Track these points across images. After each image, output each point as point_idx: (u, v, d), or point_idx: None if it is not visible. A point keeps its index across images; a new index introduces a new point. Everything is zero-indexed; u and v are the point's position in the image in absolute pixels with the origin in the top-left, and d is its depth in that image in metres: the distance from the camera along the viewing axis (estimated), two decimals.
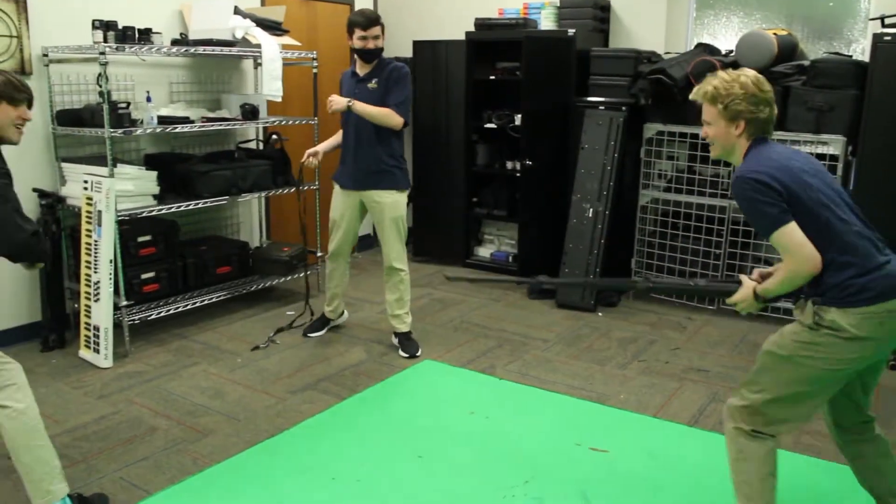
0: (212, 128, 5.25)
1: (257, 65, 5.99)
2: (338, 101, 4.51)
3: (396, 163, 4.63)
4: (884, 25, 4.97)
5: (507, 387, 4.35)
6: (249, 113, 5.40)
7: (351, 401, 4.13)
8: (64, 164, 4.92)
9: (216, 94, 5.85)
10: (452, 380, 4.45)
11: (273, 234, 6.55)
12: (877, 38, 4.85)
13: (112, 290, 4.59)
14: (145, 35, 4.89)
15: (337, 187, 4.82)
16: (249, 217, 6.36)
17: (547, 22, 6.33)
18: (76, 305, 4.89)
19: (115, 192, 4.55)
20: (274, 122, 5.71)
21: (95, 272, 4.61)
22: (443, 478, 3.35)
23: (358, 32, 4.46)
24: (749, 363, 3.72)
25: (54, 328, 4.86)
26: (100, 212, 4.57)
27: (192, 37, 5.27)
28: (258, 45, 5.31)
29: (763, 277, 2.67)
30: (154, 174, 4.90)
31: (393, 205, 4.65)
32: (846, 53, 5.51)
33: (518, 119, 6.33)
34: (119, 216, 4.60)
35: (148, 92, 5.11)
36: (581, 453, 3.57)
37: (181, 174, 5.12)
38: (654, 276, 5.82)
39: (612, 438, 3.71)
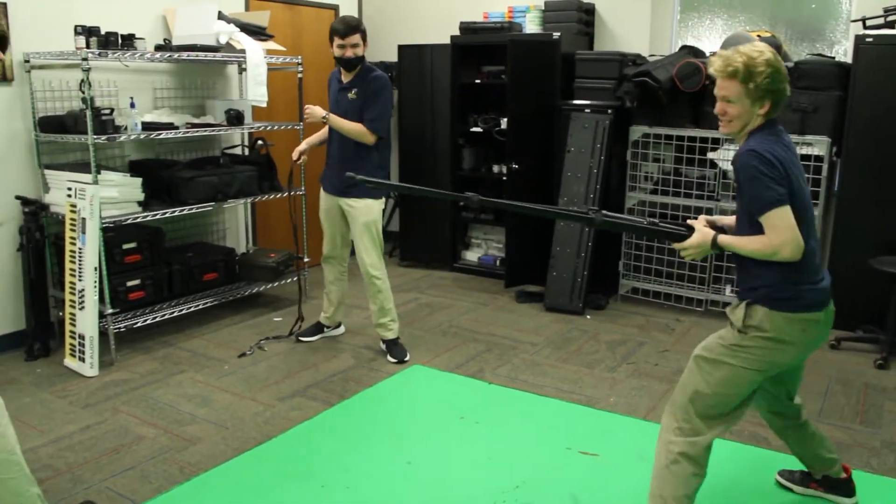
0: (197, 134, 5.22)
1: (242, 70, 5.96)
2: (314, 113, 4.52)
3: (374, 173, 4.58)
4: (865, 27, 5.00)
5: (496, 391, 4.34)
6: (234, 118, 5.37)
7: (339, 407, 4.11)
8: (47, 171, 4.88)
9: (201, 100, 5.82)
10: (441, 385, 4.43)
11: (259, 240, 6.51)
12: (859, 40, 4.89)
13: (97, 297, 4.54)
14: (128, 41, 4.85)
15: (322, 190, 4.81)
16: (235, 223, 6.32)
17: (532, 25, 6.35)
18: (61, 314, 4.85)
19: (100, 198, 4.51)
20: (259, 127, 5.68)
21: (80, 280, 4.57)
22: (433, 484, 3.34)
23: (337, 41, 4.44)
24: None
25: (39, 337, 4.81)
26: (84, 219, 4.53)
27: (175, 42, 5.23)
28: (242, 51, 5.28)
29: (713, 226, 2.74)
30: (139, 181, 4.87)
31: (365, 209, 4.63)
32: (829, 55, 5.54)
33: (504, 123, 6.33)
34: (104, 223, 4.56)
35: (132, 98, 5.08)
36: (571, 457, 3.56)
37: (166, 180, 5.09)
38: (643, 277, 5.84)
39: (602, 442, 3.70)
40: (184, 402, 4.16)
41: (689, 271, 5.59)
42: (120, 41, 4.80)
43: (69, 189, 4.61)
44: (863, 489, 3.14)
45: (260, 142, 5.80)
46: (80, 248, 4.56)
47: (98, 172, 4.55)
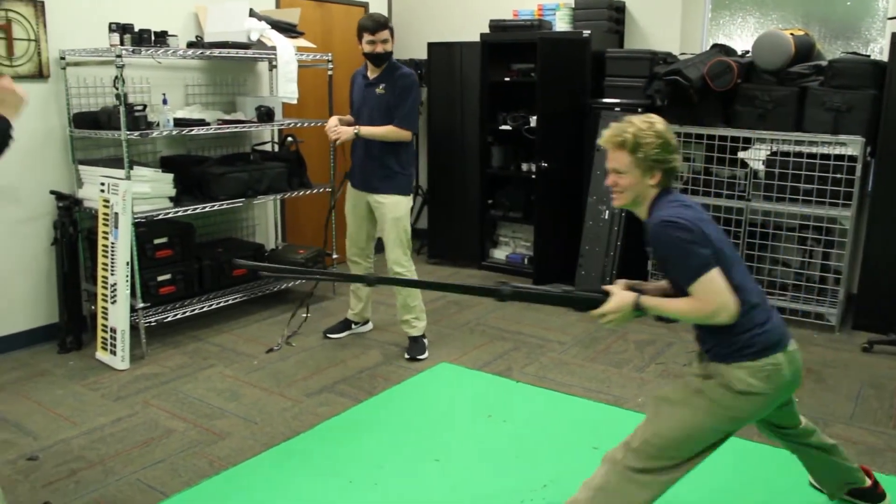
0: (227, 130, 5.26)
1: (272, 67, 6.00)
2: (345, 132, 4.53)
3: (401, 169, 4.65)
4: None
5: (523, 390, 4.33)
6: (265, 115, 5.40)
7: (367, 403, 4.12)
8: (81, 167, 4.94)
9: (231, 97, 5.86)
10: (469, 382, 4.43)
11: (288, 236, 6.55)
12: (895, 38, 4.81)
13: (129, 292, 4.59)
14: (161, 38, 4.90)
15: (348, 185, 4.84)
16: (265, 219, 6.36)
17: (562, 23, 6.31)
18: (93, 307, 4.90)
19: (132, 194, 4.56)
20: (289, 124, 5.71)
21: (112, 274, 4.62)
22: (460, 481, 3.33)
23: (366, 37, 4.50)
24: None
25: (71, 330, 4.88)
26: (116, 214, 4.58)
27: (207, 39, 5.28)
28: (273, 48, 5.31)
29: (633, 289, 2.63)
30: (170, 176, 4.91)
31: (393, 206, 4.65)
32: (864, 53, 5.47)
33: (533, 121, 6.31)
34: (135, 218, 4.61)
35: (164, 94, 5.12)
36: (598, 457, 3.51)
37: (197, 176, 5.13)
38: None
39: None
40: (213, 396, 4.20)
41: None
42: (153, 38, 4.85)
43: (102, 184, 4.67)
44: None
45: (290, 138, 5.83)
46: (112, 243, 4.61)
47: (131, 168, 4.60)
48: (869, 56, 5.31)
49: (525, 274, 6.51)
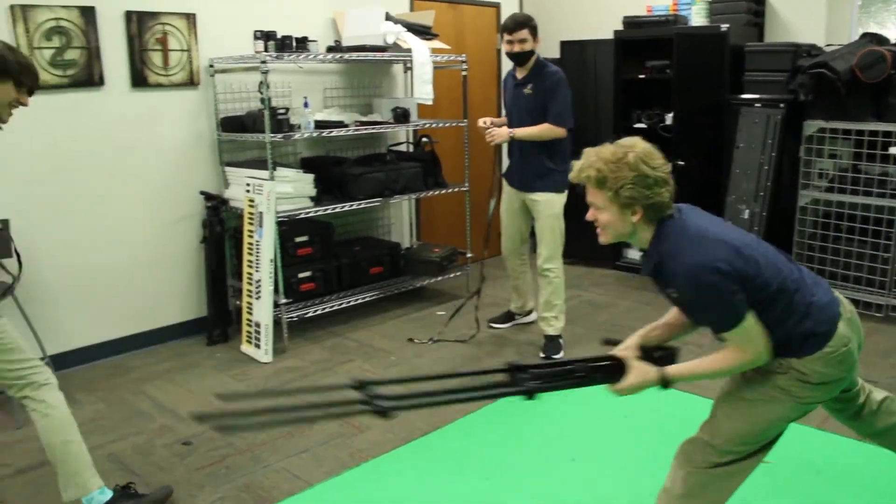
0: (365, 131, 5.39)
1: (407, 69, 6.10)
2: (499, 135, 4.59)
3: (555, 166, 4.64)
4: None
5: (661, 392, 4.23)
6: (401, 116, 5.51)
7: (503, 401, 4.13)
8: (227, 168, 5.18)
9: (368, 99, 6.01)
10: None
11: (423, 235, 6.65)
12: None
13: (272, 288, 4.78)
14: (302, 43, 5.08)
15: (505, 184, 4.89)
16: (400, 218, 6.49)
17: (698, 18, 6.15)
18: (238, 302, 5.12)
19: (276, 194, 4.74)
20: (424, 125, 5.80)
21: (257, 271, 4.81)
22: (596, 482, 3.31)
23: (505, 36, 4.54)
24: None
25: (218, 324, 5.12)
26: (261, 213, 4.77)
27: (345, 43, 5.42)
28: (409, 50, 5.40)
29: (646, 350, 2.51)
30: (311, 177, 5.08)
31: (548, 203, 4.67)
32: None
33: (668, 118, 6.18)
34: (278, 217, 4.79)
35: (305, 97, 5.29)
36: None
37: (336, 177, 5.27)
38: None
39: (776, 449, 3.55)
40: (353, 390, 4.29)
41: (868, 275, 5.26)
42: (294, 44, 5.03)
43: (247, 185, 4.87)
44: None
45: (425, 139, 5.92)
46: (257, 241, 4.81)
47: (274, 169, 4.78)
48: None
49: None
